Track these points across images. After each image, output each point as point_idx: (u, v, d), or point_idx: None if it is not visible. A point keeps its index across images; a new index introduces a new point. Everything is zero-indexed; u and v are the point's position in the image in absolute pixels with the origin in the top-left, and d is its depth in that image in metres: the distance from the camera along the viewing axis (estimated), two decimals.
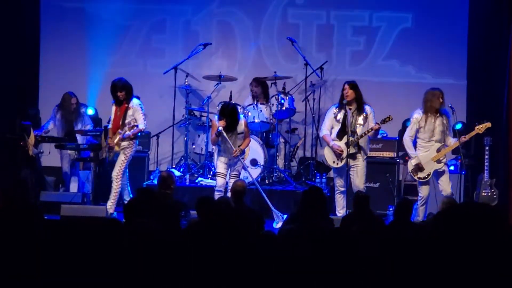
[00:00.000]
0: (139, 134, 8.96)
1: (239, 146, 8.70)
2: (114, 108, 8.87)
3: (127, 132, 8.75)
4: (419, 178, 8.62)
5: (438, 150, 8.57)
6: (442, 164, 8.61)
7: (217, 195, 8.53)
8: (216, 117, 8.91)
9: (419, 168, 8.57)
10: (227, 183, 8.79)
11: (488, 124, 8.52)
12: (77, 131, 9.90)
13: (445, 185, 8.57)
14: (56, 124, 9.98)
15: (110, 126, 8.95)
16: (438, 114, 8.55)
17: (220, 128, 8.58)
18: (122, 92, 8.75)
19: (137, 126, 8.77)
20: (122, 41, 11.42)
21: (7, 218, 3.82)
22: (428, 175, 8.59)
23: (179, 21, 11.45)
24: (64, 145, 9.71)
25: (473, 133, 8.58)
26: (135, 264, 3.76)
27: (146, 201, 5.70)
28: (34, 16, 11.24)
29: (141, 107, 8.86)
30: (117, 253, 3.87)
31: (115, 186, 8.80)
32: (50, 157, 10.16)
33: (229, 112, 8.66)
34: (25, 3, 11.11)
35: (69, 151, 9.87)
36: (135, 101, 8.86)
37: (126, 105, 8.79)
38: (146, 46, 11.41)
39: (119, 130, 8.76)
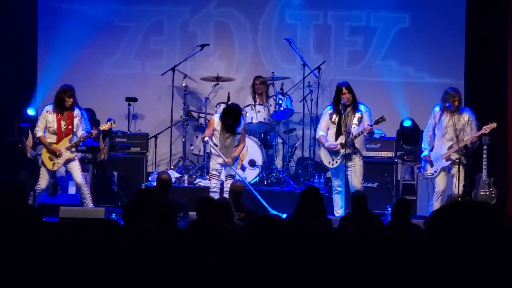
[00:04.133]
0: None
1: (232, 155, 8.70)
2: (55, 115, 8.81)
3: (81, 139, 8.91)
4: (427, 174, 8.84)
5: (450, 148, 8.67)
6: (450, 162, 8.71)
7: (213, 196, 8.54)
8: (218, 115, 8.90)
9: (429, 162, 8.73)
10: (222, 183, 8.82)
11: (494, 125, 8.67)
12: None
13: (456, 184, 8.67)
14: None
15: (39, 134, 8.89)
16: (455, 113, 8.62)
17: (207, 139, 8.66)
18: (70, 98, 8.76)
19: (87, 131, 8.92)
20: (120, 43, 11.42)
21: (6, 220, 3.82)
22: (436, 171, 8.75)
23: (176, 23, 11.45)
24: None
25: (479, 133, 8.68)
26: (134, 266, 3.76)
27: (144, 202, 5.70)
28: (31, 18, 11.24)
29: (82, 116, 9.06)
30: (116, 255, 3.87)
31: (87, 190, 8.84)
32: None
33: (234, 113, 8.68)
34: (22, 4, 11.10)
35: None
36: (78, 110, 8.97)
37: (71, 113, 8.83)
38: (144, 47, 11.41)
39: (70, 138, 8.82)
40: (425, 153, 8.83)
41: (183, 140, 10.62)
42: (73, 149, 8.88)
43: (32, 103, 11.04)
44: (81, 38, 11.30)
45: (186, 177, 10.05)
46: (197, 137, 10.65)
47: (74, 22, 11.33)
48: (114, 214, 8.94)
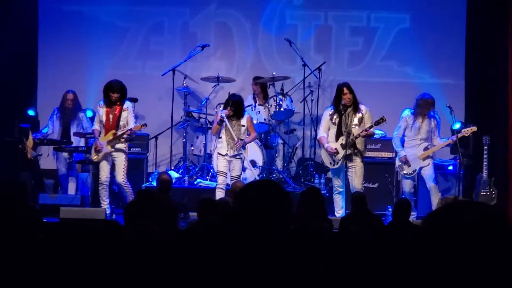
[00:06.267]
0: (131, 134, 8.97)
1: (241, 139, 8.76)
2: (104, 109, 8.86)
3: (125, 133, 8.81)
4: (405, 173, 9.09)
5: (426, 149, 8.98)
6: (428, 161, 9.03)
7: (219, 193, 8.61)
8: (222, 110, 8.97)
9: (405, 163, 9.00)
10: (228, 185, 8.83)
11: (474, 128, 9.01)
12: (76, 133, 9.89)
13: (427, 177, 9.01)
14: (53, 126, 9.96)
15: (94, 126, 8.98)
16: (426, 116, 8.97)
17: (223, 115, 8.67)
18: (115, 93, 8.78)
19: (130, 128, 8.85)
20: (121, 43, 11.42)
21: (6, 221, 3.82)
22: (414, 171, 9.05)
23: (177, 23, 11.45)
24: (62, 147, 9.71)
25: (459, 135, 8.99)
26: (134, 266, 3.76)
27: (145, 203, 5.71)
28: (32, 19, 11.24)
29: (133, 110, 9.06)
30: (117, 255, 3.87)
31: (129, 190, 8.81)
32: (49, 159, 10.15)
33: (235, 100, 8.73)
34: (23, 5, 11.11)
35: (64, 154, 9.86)
36: (128, 104, 8.96)
37: (120, 107, 8.82)
38: (145, 48, 11.42)
39: (114, 131, 8.79)
40: (402, 153, 9.05)
41: (184, 140, 10.62)
42: (117, 142, 8.85)
43: (32, 103, 11.05)
44: (81, 39, 11.31)
45: (186, 177, 10.06)
46: (197, 137, 10.66)
47: (75, 23, 11.34)
48: (114, 215, 8.94)
